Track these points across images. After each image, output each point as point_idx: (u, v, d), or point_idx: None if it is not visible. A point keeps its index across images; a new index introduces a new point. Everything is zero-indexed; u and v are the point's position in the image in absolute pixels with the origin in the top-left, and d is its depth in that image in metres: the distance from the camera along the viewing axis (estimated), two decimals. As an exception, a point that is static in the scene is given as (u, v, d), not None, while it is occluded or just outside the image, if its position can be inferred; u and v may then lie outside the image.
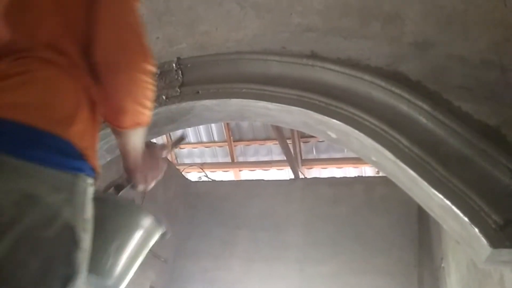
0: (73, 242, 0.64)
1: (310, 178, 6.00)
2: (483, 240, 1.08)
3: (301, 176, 5.94)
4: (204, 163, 6.64)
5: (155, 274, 5.31)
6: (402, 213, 4.98)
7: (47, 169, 0.64)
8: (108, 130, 1.79)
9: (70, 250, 0.64)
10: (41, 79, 0.69)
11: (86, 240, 0.68)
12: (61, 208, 0.64)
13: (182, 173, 6.28)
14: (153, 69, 0.81)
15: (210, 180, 6.47)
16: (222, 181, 6.48)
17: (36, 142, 0.65)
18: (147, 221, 0.98)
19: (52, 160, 0.65)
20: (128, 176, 1.00)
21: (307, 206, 5.53)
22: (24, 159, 0.62)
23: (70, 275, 0.63)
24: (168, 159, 5.92)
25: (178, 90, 1.72)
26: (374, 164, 1.52)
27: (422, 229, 4.80)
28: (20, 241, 0.58)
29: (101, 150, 1.88)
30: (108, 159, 1.95)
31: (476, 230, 1.10)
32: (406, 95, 1.33)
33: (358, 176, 5.93)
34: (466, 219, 1.12)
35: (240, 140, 6.38)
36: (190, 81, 1.73)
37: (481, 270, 2.43)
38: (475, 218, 1.11)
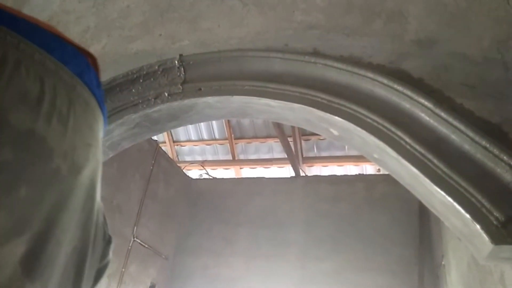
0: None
1: (311, 176, 6.01)
2: (485, 237, 1.08)
3: (302, 174, 5.95)
4: (205, 160, 6.65)
5: (156, 271, 5.32)
6: (403, 211, 4.99)
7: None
8: (110, 127, 1.80)
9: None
10: None
11: None
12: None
13: (183, 170, 6.29)
14: None
15: (211, 177, 6.49)
16: (223, 178, 6.49)
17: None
18: None
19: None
20: None
21: (308, 204, 5.54)
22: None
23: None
24: (169, 157, 5.93)
25: (180, 87, 1.72)
26: (376, 161, 1.52)
27: (422, 226, 4.81)
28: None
29: (103, 146, 1.88)
30: (110, 155, 1.95)
31: (478, 226, 1.10)
32: (408, 93, 1.33)
33: (359, 174, 5.94)
34: (468, 216, 1.12)
35: (241, 137, 6.39)
36: (192, 78, 1.73)
37: (481, 268, 2.44)
38: (477, 215, 1.11)
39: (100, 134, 0.56)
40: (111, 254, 0.58)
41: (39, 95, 0.45)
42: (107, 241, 0.57)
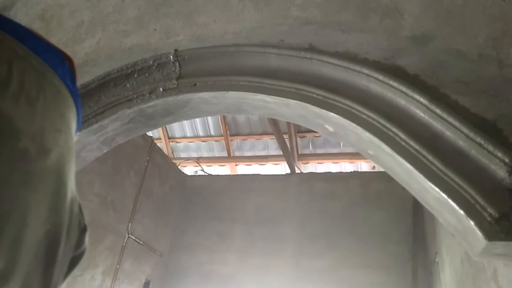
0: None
1: (306, 173, 6.02)
2: (478, 233, 1.09)
3: (297, 171, 5.96)
4: (200, 157, 6.64)
5: (151, 268, 5.32)
6: (397, 208, 5.02)
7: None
8: (104, 122, 1.79)
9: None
10: None
11: None
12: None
13: (178, 167, 6.27)
14: None
15: (206, 174, 6.48)
16: (218, 175, 6.48)
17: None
18: None
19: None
20: None
21: (303, 201, 5.55)
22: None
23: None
24: (164, 153, 5.91)
25: (175, 82, 1.71)
26: (371, 157, 1.52)
27: (416, 224, 4.83)
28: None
29: (97, 142, 1.87)
30: (105, 150, 1.94)
31: (472, 223, 1.10)
32: (403, 89, 1.33)
33: (354, 171, 5.95)
34: (462, 212, 1.13)
35: (236, 134, 6.38)
36: (187, 73, 1.72)
37: (475, 265, 2.46)
38: (471, 211, 1.12)
39: (73, 123, 0.56)
40: (86, 243, 0.57)
41: (6, 76, 0.45)
42: (82, 230, 0.56)
